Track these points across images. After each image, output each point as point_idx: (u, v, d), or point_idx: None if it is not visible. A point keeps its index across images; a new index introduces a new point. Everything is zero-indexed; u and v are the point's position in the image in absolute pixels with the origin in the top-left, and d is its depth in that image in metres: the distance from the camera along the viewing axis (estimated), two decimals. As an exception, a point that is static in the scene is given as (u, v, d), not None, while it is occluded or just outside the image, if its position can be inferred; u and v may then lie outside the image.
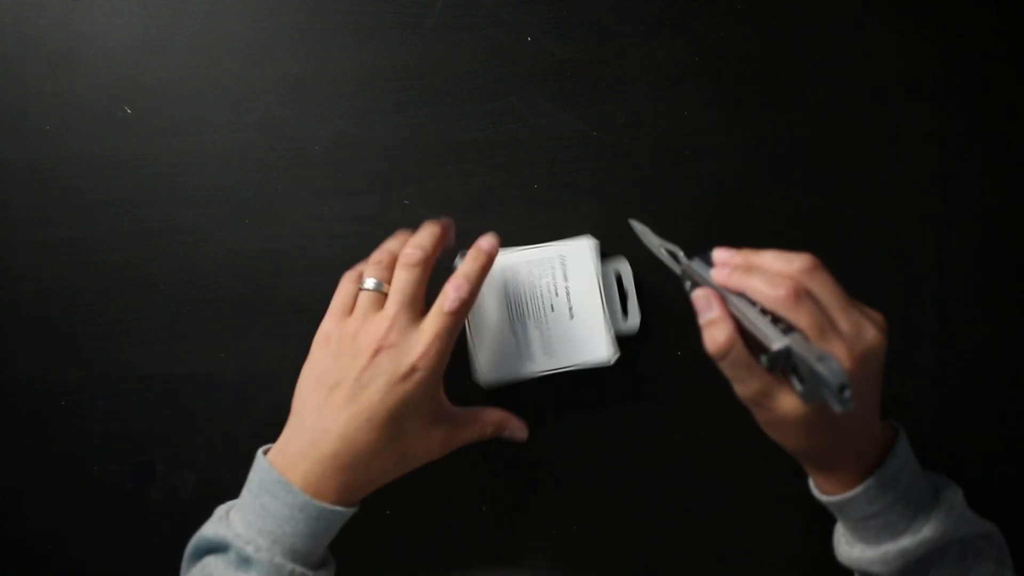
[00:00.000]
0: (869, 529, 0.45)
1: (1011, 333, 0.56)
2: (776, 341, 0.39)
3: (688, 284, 0.44)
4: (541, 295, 0.52)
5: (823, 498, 0.47)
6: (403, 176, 0.56)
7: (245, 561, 0.43)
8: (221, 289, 0.56)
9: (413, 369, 0.45)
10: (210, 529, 0.46)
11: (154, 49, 0.56)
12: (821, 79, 0.57)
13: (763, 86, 0.57)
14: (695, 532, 0.56)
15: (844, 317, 0.40)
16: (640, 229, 0.50)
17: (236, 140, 0.56)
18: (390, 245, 0.51)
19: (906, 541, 0.44)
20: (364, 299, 0.48)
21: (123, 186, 0.56)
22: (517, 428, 0.52)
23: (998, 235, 0.57)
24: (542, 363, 0.52)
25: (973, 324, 0.56)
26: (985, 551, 0.46)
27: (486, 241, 0.49)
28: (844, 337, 0.40)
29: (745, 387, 0.42)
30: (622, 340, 0.53)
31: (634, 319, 0.54)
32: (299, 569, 0.44)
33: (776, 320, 0.40)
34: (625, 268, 0.54)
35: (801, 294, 0.39)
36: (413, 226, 0.56)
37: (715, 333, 0.41)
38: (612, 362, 0.52)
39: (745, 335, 0.41)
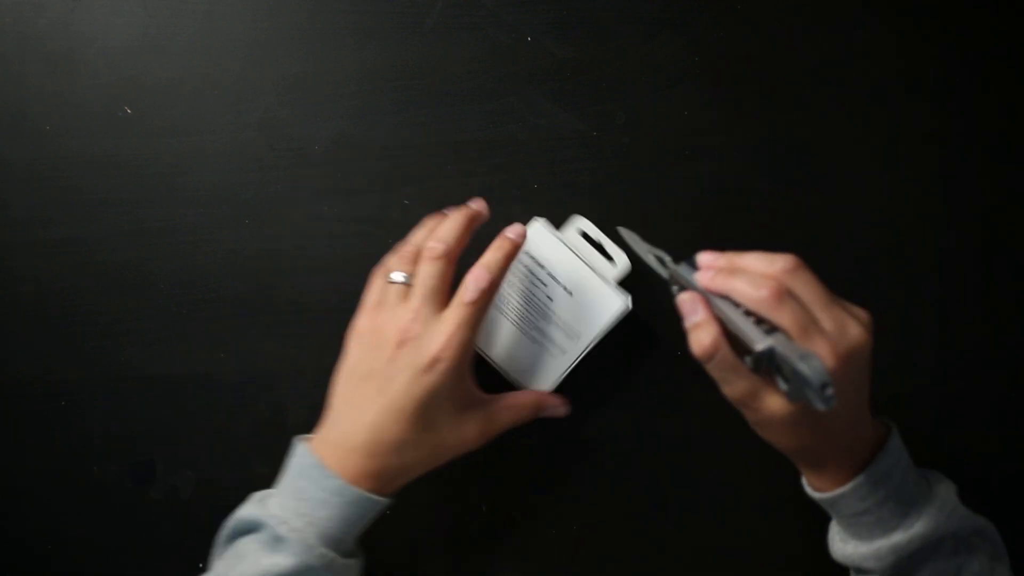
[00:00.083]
0: (861, 525, 0.45)
1: (1011, 333, 0.56)
2: (759, 342, 0.39)
3: (675, 288, 0.45)
4: (532, 294, 0.52)
5: (815, 495, 0.47)
6: (403, 176, 0.56)
7: (278, 540, 0.44)
8: (221, 289, 0.56)
9: (436, 360, 0.45)
10: (246, 510, 0.47)
11: (154, 49, 0.56)
12: (821, 79, 0.57)
13: (763, 86, 0.57)
14: (695, 532, 0.56)
15: (827, 316, 0.41)
16: (629, 236, 0.50)
17: (236, 140, 0.56)
18: (417, 237, 0.51)
19: (898, 537, 0.44)
20: (391, 292, 0.48)
21: (123, 186, 0.56)
22: (556, 406, 0.52)
23: (998, 235, 0.57)
24: (574, 348, 0.52)
25: (973, 324, 0.56)
26: (979, 546, 0.46)
27: (512, 230, 0.49)
28: (827, 336, 0.40)
29: (732, 388, 0.42)
30: (625, 283, 0.53)
31: (620, 260, 0.54)
32: (329, 553, 0.45)
33: (760, 321, 0.40)
34: (584, 223, 0.54)
35: (783, 294, 0.40)
36: (412, 226, 0.56)
37: (700, 336, 0.42)
38: (630, 306, 0.52)
39: (730, 337, 0.41)
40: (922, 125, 0.57)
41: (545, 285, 0.52)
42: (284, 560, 0.44)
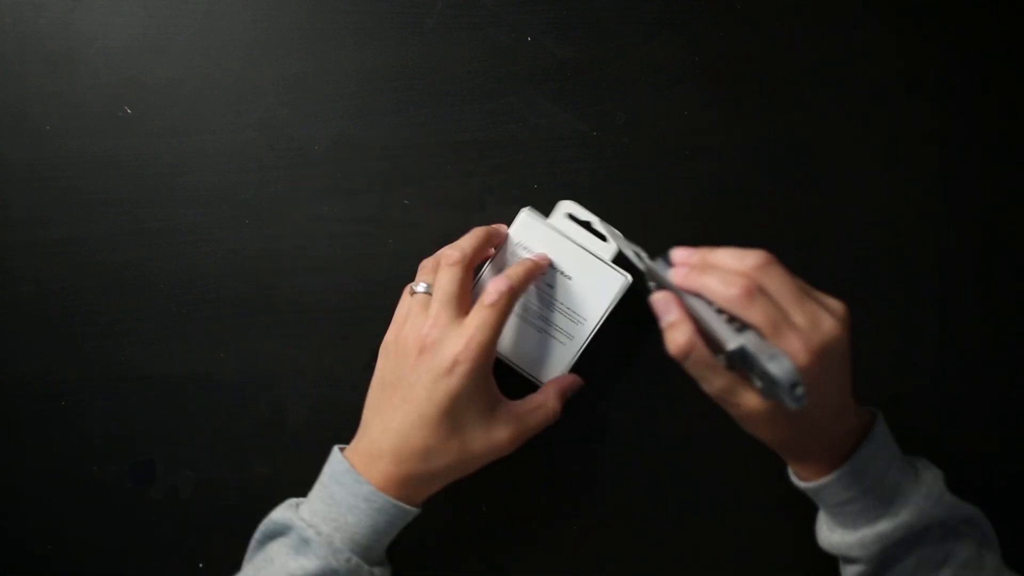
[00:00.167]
0: (847, 514, 0.45)
1: (1011, 333, 0.56)
2: (730, 341, 0.39)
3: (652, 285, 0.45)
4: (532, 284, 0.53)
5: (800, 485, 0.47)
6: (403, 176, 0.56)
7: (305, 543, 0.45)
8: (221, 289, 0.56)
9: (455, 362, 0.46)
10: (277, 513, 0.48)
11: (154, 49, 0.56)
12: (821, 79, 0.57)
13: (763, 86, 0.57)
14: (695, 532, 0.56)
15: (799, 310, 0.40)
16: (607, 230, 0.51)
17: (236, 140, 0.56)
18: (441, 251, 0.52)
19: (883, 525, 0.44)
20: (414, 303, 0.49)
21: (123, 186, 0.56)
22: (574, 383, 0.53)
23: (998, 235, 0.57)
24: (581, 332, 0.53)
25: (973, 324, 0.56)
26: (967, 533, 0.46)
27: (535, 253, 0.52)
28: (800, 331, 0.40)
29: (710, 385, 0.43)
30: (621, 260, 0.53)
31: (613, 236, 0.54)
32: (355, 559, 0.45)
33: (733, 319, 0.40)
34: (571, 206, 0.54)
35: (754, 292, 0.40)
36: (413, 226, 0.56)
37: (675, 335, 0.42)
38: (631, 281, 0.52)
39: (705, 335, 0.41)
40: (922, 125, 0.57)
41: (543, 273, 0.52)
42: (309, 563, 0.45)
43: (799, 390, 0.37)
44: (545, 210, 0.55)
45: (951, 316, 0.56)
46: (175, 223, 0.56)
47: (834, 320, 0.41)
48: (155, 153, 0.56)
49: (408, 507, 0.47)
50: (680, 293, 0.42)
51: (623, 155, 0.56)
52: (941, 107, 0.57)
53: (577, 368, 0.53)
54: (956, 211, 0.57)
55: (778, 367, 0.37)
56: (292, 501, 0.49)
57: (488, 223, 0.54)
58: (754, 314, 0.39)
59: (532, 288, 0.53)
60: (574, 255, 0.52)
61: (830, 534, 0.47)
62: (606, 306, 0.52)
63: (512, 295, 0.48)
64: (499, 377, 0.50)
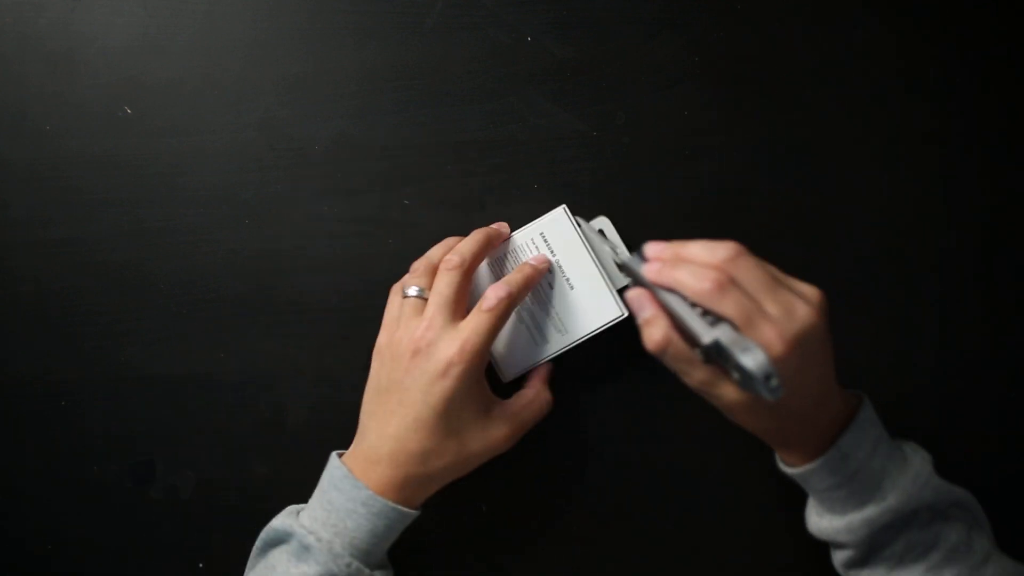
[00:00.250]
0: (834, 500, 0.46)
1: (1011, 333, 0.56)
2: (704, 335, 0.39)
3: (630, 281, 0.45)
4: None
5: (787, 471, 0.47)
6: (403, 176, 0.56)
7: (305, 549, 0.45)
8: (221, 289, 0.56)
9: (450, 364, 0.46)
10: (278, 520, 0.48)
11: (154, 49, 0.56)
12: (821, 79, 0.57)
13: (763, 86, 0.57)
14: (695, 532, 0.56)
15: (773, 300, 0.40)
16: (585, 226, 0.51)
17: (236, 140, 0.56)
18: (432, 253, 0.52)
19: (870, 510, 0.44)
20: (406, 306, 0.49)
21: (123, 186, 0.56)
22: (551, 370, 0.54)
23: (998, 235, 0.57)
24: (558, 342, 0.52)
25: (973, 324, 0.56)
26: (957, 517, 0.46)
27: (536, 258, 0.52)
28: (774, 321, 0.40)
29: (690, 379, 0.43)
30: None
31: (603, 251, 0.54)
32: (356, 563, 0.46)
33: (707, 312, 0.40)
34: (605, 223, 0.55)
35: (725, 285, 0.40)
36: (413, 226, 0.56)
37: (651, 332, 0.42)
38: (625, 316, 0.52)
39: (681, 329, 0.41)
40: (922, 125, 0.57)
41: (551, 272, 0.52)
42: (311, 569, 0.45)
43: (773, 381, 0.37)
44: (548, 206, 0.54)
45: (951, 316, 0.56)
46: (175, 223, 0.56)
47: (808, 307, 0.40)
48: (155, 153, 0.56)
49: (407, 510, 0.47)
50: (654, 289, 0.43)
51: (623, 155, 0.56)
52: (941, 107, 0.57)
53: (577, 367, 0.53)
54: (956, 211, 0.57)
55: (751, 360, 0.37)
56: (292, 508, 0.49)
57: (488, 223, 0.54)
58: (726, 307, 0.39)
59: None
60: (586, 269, 0.52)
61: (819, 520, 0.48)
62: (591, 328, 0.52)
63: (511, 302, 0.48)
64: (489, 377, 0.50)
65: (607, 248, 0.48)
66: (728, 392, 0.42)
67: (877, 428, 0.46)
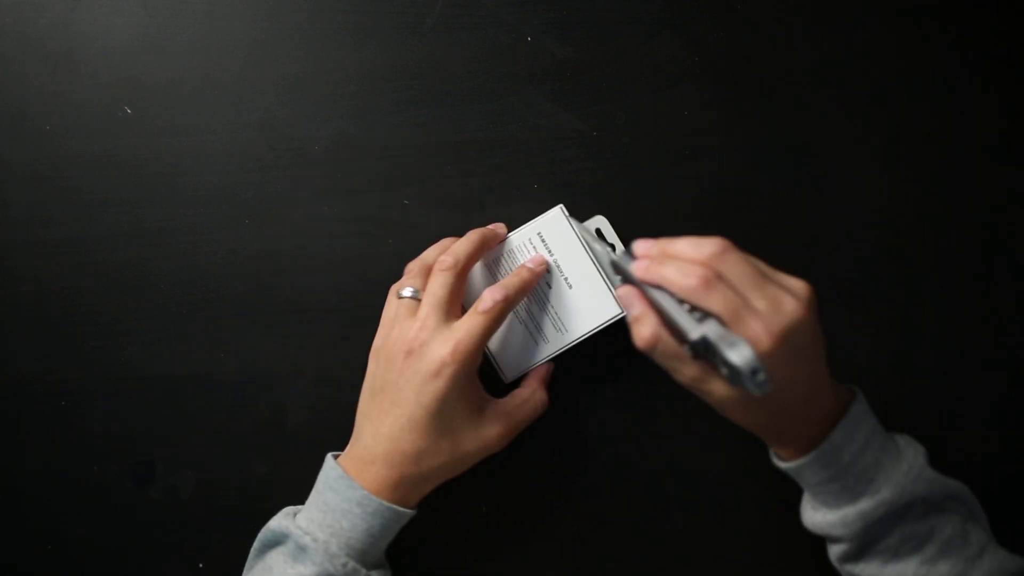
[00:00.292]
0: (828, 494, 0.46)
1: (1011, 333, 0.56)
2: (692, 331, 0.39)
3: (619, 279, 0.45)
4: None
5: (780, 465, 0.48)
6: (403, 176, 0.56)
7: (302, 550, 0.46)
8: (221, 289, 0.56)
9: (443, 364, 0.46)
10: (275, 522, 0.48)
11: (154, 49, 0.56)
12: (821, 79, 0.57)
13: (763, 86, 0.57)
14: (695, 532, 0.56)
15: (759, 295, 0.40)
16: (578, 226, 0.52)
17: (236, 140, 0.56)
18: (427, 254, 0.52)
19: (864, 504, 0.45)
20: (401, 307, 0.49)
21: (123, 186, 0.56)
22: (550, 370, 0.54)
23: (998, 235, 0.57)
24: (557, 341, 0.53)
25: (973, 324, 0.56)
26: (952, 509, 0.46)
27: (533, 260, 0.52)
28: (761, 316, 0.39)
29: (680, 376, 0.43)
30: None
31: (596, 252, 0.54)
32: (352, 563, 0.46)
33: (695, 308, 0.40)
34: (602, 223, 0.55)
35: (712, 281, 0.40)
36: (413, 226, 0.56)
37: (640, 329, 0.43)
38: (623, 315, 0.52)
39: (670, 326, 0.42)
40: (922, 125, 0.57)
41: (549, 272, 0.53)
42: (307, 570, 0.45)
43: (760, 376, 0.37)
44: (546, 205, 0.54)
45: (951, 316, 0.56)
46: (175, 223, 0.56)
47: (796, 301, 0.40)
48: (155, 153, 0.56)
49: (403, 509, 0.47)
50: (643, 286, 0.43)
51: (623, 155, 0.56)
52: (941, 107, 0.57)
53: (577, 367, 0.53)
54: (956, 211, 0.57)
55: (737, 355, 0.37)
56: (289, 509, 0.49)
57: (488, 223, 0.54)
58: (713, 302, 0.39)
59: None
60: (584, 268, 0.52)
61: (813, 514, 0.48)
62: (591, 327, 0.52)
63: (506, 305, 0.48)
64: (482, 376, 0.50)
65: (604, 247, 0.48)
66: (718, 388, 0.42)
67: (870, 422, 0.46)
